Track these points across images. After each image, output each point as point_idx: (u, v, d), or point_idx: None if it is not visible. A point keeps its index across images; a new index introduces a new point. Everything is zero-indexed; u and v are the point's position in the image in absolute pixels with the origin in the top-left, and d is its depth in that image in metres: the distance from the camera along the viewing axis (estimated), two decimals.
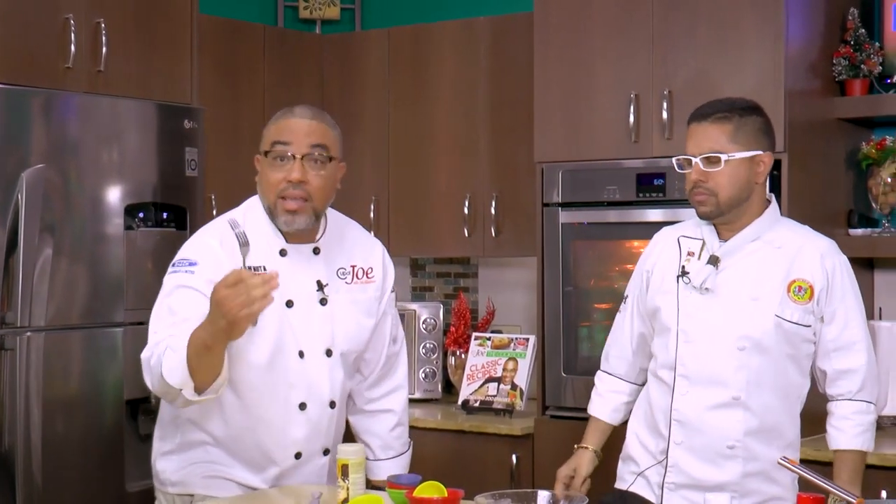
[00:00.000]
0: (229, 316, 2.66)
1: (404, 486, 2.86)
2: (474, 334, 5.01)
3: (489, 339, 4.94)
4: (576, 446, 3.37)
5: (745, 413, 3.07)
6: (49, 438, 3.96)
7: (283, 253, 3.09)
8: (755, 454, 3.08)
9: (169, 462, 3.18)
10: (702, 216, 3.13)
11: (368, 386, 3.35)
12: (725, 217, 3.10)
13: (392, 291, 3.32)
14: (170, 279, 3.03)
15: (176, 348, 2.80)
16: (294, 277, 3.07)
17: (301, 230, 3.07)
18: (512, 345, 4.87)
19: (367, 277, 3.23)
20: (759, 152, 3.08)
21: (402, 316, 5.06)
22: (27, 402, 3.90)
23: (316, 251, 3.14)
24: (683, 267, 3.15)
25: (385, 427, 3.36)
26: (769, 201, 3.17)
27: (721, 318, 3.08)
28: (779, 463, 2.70)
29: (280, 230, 3.09)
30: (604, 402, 3.38)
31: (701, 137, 3.09)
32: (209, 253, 3.01)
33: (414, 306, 5.17)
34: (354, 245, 3.25)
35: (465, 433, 4.63)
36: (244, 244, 2.81)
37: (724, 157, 3.05)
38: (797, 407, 3.16)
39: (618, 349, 3.37)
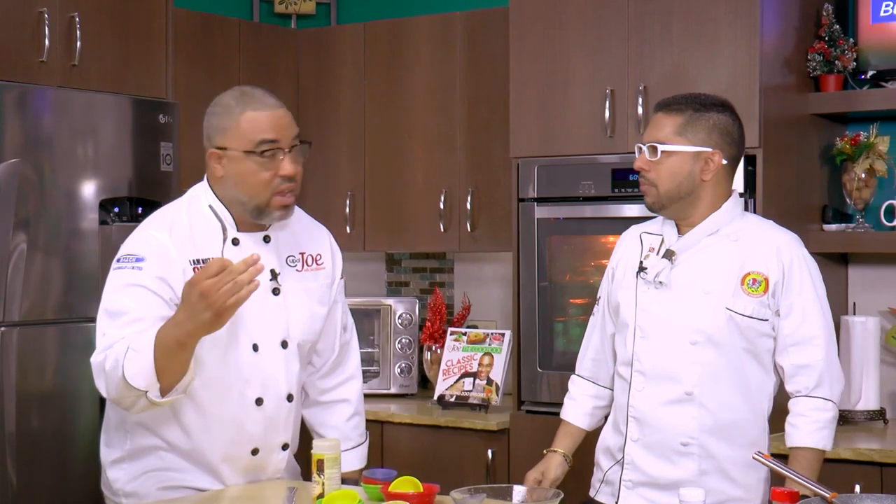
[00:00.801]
0: (216, 306, 2.58)
1: (380, 482, 2.85)
2: (450, 329, 5.01)
3: (465, 334, 4.94)
4: (545, 451, 3.29)
5: (700, 409, 3.02)
6: (24, 434, 3.94)
7: (235, 242, 2.98)
8: (711, 452, 3.02)
9: (120, 471, 3.05)
10: (647, 206, 3.11)
11: (322, 376, 3.28)
12: (671, 210, 3.07)
13: (341, 278, 3.24)
14: (116, 276, 2.90)
15: (139, 349, 2.69)
16: None
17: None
18: (487, 340, 4.87)
19: (317, 264, 3.15)
20: (707, 149, 3.01)
21: (377, 311, 5.13)
22: (1, 398, 3.88)
23: (266, 239, 3.04)
24: (642, 262, 3.12)
25: (341, 418, 3.28)
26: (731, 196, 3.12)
27: (674, 312, 3.04)
28: (753, 458, 2.70)
29: (233, 219, 2.98)
30: (576, 406, 3.31)
31: (653, 126, 3.08)
32: (157, 247, 2.88)
33: (389, 301, 5.16)
34: (301, 231, 3.15)
35: (441, 428, 4.63)
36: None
37: (660, 147, 3.02)
38: (762, 404, 3.08)
39: (591, 352, 3.31)
